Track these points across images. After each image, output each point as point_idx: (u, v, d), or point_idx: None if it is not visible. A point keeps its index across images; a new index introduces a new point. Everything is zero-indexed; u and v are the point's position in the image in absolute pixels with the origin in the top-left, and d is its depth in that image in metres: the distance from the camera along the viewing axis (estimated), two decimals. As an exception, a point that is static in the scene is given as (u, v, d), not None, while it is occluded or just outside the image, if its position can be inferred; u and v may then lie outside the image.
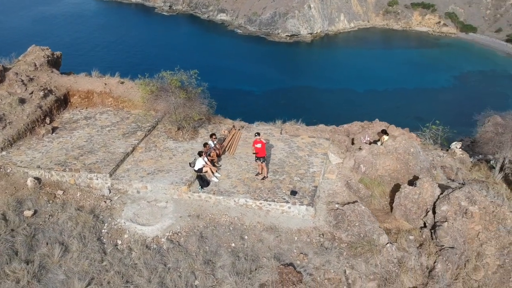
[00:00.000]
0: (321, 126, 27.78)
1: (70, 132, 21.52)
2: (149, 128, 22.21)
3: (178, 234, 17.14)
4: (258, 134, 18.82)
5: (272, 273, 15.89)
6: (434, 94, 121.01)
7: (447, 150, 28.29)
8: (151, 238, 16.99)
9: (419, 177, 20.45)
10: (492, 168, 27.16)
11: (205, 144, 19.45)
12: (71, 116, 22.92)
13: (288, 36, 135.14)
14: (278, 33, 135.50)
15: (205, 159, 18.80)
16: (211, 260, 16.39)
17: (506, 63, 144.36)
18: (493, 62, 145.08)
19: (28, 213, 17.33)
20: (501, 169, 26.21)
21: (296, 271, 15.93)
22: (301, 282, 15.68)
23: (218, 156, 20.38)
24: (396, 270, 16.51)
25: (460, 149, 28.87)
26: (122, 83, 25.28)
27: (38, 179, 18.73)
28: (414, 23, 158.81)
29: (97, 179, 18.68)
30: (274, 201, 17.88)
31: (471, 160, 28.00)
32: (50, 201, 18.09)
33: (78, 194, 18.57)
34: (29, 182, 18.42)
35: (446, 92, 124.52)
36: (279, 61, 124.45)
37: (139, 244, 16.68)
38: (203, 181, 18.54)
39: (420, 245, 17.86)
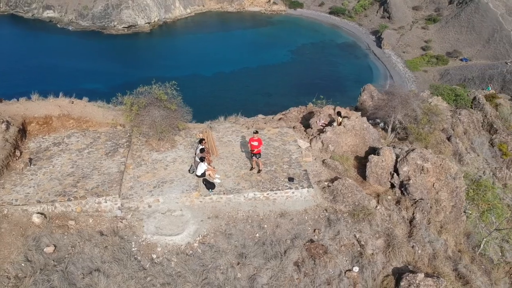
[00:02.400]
0: (260, 116, 30.44)
1: (48, 161, 20.78)
2: (127, 143, 22.43)
3: (207, 237, 18.41)
4: (257, 132, 20.67)
5: (301, 250, 18.23)
6: (277, 69, 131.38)
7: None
8: (184, 245, 17.99)
9: (375, 147, 24.35)
10: (384, 129, 31.86)
11: (202, 150, 20.66)
12: (38, 145, 21.94)
13: (126, 27, 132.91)
14: (115, 26, 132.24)
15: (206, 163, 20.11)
16: (243, 252, 18.08)
17: (332, 34, 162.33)
18: (322, 33, 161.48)
19: (49, 249, 17.04)
20: (393, 129, 30.77)
21: (321, 244, 18.50)
22: (326, 253, 18.29)
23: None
24: (391, 226, 20.05)
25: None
26: (72, 102, 24.67)
27: (41, 214, 18.18)
28: (247, 4, 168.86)
29: (106, 202, 18.80)
30: (279, 190, 20.06)
31: None
32: (65, 233, 17.85)
33: (90, 221, 18.52)
34: (36, 218, 17.86)
35: (287, 66, 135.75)
36: (120, 54, 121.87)
37: (175, 253, 17.64)
38: (210, 184, 19.86)
39: (397, 202, 21.66)
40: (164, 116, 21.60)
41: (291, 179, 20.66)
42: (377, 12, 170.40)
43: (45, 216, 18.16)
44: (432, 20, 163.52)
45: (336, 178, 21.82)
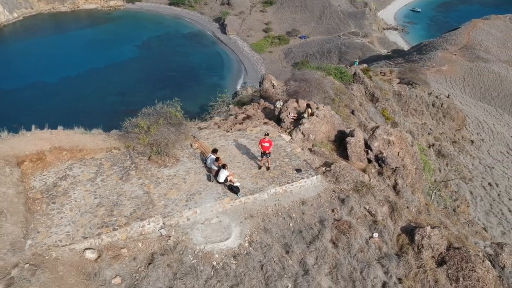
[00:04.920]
0: (216, 118, 32.16)
1: (66, 196, 20.23)
2: (133, 165, 22.66)
3: (252, 236, 20.15)
4: (267, 134, 22.63)
5: (331, 229, 21.05)
6: (126, 66, 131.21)
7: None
8: (237, 247, 19.52)
9: (342, 130, 27.97)
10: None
11: (218, 159, 22.00)
12: (43, 183, 21.02)
13: None
14: None
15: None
16: (286, 242, 20.30)
17: (176, 25, 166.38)
18: (166, 25, 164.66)
19: (117, 280, 17.36)
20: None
21: (345, 220, 21.49)
22: (351, 227, 21.37)
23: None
24: (386, 194, 23.84)
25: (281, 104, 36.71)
26: (53, 134, 23.85)
27: (91, 249, 18.13)
28: (81, 2, 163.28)
29: (149, 224, 19.33)
30: (294, 181, 22.48)
31: None
32: (123, 262, 18.11)
33: (140, 245, 18.94)
34: (90, 254, 17.81)
35: (136, 62, 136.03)
36: None
37: (232, 256, 19.13)
38: (235, 188, 21.45)
39: (379, 173, 25.56)
40: (173, 132, 22.36)
41: (298, 170, 23.18)
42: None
43: (97, 250, 18.16)
44: (269, 3, 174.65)
45: (326, 163, 24.92)
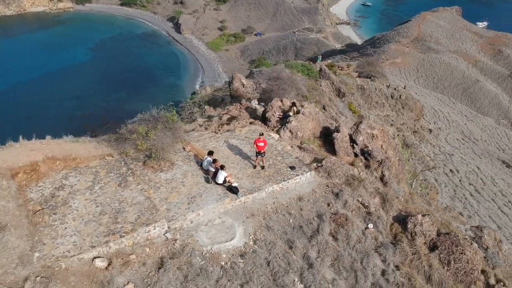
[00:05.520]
0: (199, 120, 32.41)
1: (66, 206, 20.00)
2: (128, 172, 22.64)
3: (256, 234, 20.64)
4: (262, 134, 23.10)
5: (329, 223, 21.83)
6: (80, 70, 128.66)
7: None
8: (242, 246, 19.96)
9: (327, 126, 28.85)
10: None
11: (215, 160, 22.32)
12: (40, 194, 20.66)
13: None
14: None
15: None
16: (289, 239, 20.91)
17: (130, 25, 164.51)
18: (118, 26, 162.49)
19: (129, 287, 17.43)
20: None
21: (342, 213, 22.32)
22: (347, 220, 22.22)
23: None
24: (376, 186, 24.86)
25: (257, 103, 37.28)
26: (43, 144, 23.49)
27: (100, 257, 18.12)
28: (28, 5, 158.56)
29: (155, 229, 19.46)
30: (289, 179, 23.11)
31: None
32: (132, 268, 18.20)
33: (147, 250, 19.05)
34: (100, 263, 17.81)
35: (90, 65, 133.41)
36: None
37: (239, 255, 19.56)
38: (235, 188, 21.85)
39: (366, 166, 26.58)
40: (169, 136, 22.50)
41: (292, 168, 23.84)
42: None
43: (106, 258, 18.16)
44: (222, 1, 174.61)
45: (316, 159, 25.71)
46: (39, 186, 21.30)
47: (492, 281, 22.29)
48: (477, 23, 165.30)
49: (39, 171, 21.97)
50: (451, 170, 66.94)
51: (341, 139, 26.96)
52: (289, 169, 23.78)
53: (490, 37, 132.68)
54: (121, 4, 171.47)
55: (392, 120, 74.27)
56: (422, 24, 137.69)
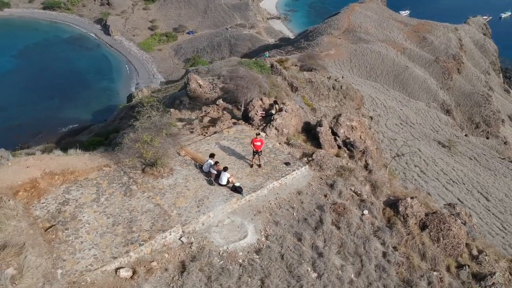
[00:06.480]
0: (179, 123, 32.66)
1: (76, 220, 19.78)
2: (130, 180, 22.65)
3: (266, 230, 21.47)
4: (258, 134, 23.85)
5: (330, 213, 23.08)
6: (3, 79, 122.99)
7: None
8: (256, 243, 20.73)
9: (308, 121, 30.12)
10: (237, 108, 37.51)
11: (216, 163, 22.85)
12: (45, 211, 20.21)
13: None
14: None
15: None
16: (296, 231, 21.93)
17: (55, 29, 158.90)
18: (43, 31, 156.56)
19: (155, 293, 17.73)
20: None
21: (340, 203, 23.65)
22: (345, 208, 23.59)
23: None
24: (365, 174, 26.43)
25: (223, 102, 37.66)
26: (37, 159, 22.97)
27: (122, 267, 18.23)
28: None
29: (170, 234, 19.78)
30: (287, 174, 24.11)
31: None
32: (156, 275, 18.47)
33: (167, 256, 19.34)
34: (124, 273, 17.93)
35: (15, 73, 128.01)
36: None
37: (255, 252, 20.33)
38: (239, 188, 22.52)
39: (350, 157, 28.12)
40: (170, 142, 22.73)
41: (287, 163, 24.85)
42: (95, 0, 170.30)
43: (130, 268, 18.29)
44: (151, 0, 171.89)
45: (305, 154, 26.89)
46: (42, 203, 20.90)
47: (475, 252, 24.48)
48: (400, 11, 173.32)
49: (39, 188, 21.51)
50: (397, 154, 70.86)
51: (324, 132, 28.29)
52: (284, 165, 24.77)
53: (415, 25, 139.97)
54: (44, 8, 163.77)
55: (339, 111, 77.19)
56: (351, 16, 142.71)
